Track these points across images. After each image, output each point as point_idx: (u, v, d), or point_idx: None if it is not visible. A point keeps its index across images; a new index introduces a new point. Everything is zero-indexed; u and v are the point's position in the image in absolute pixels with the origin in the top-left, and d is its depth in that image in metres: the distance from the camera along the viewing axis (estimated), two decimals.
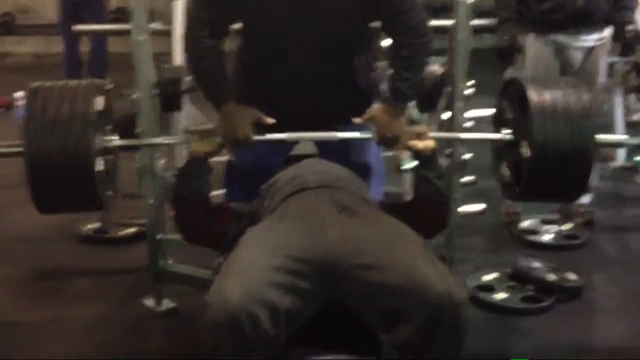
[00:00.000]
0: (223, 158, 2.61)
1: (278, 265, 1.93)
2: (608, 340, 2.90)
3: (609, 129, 4.29)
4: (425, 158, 2.39)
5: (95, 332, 2.89)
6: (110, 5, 7.43)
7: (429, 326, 1.87)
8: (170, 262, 3.03)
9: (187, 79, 3.06)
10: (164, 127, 3.09)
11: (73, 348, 2.77)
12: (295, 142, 2.55)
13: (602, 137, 2.41)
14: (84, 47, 6.84)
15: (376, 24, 2.56)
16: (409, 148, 2.43)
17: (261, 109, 2.48)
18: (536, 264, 3.22)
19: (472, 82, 2.88)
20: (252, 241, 2.07)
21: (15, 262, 3.46)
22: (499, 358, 2.68)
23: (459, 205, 2.95)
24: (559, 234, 3.73)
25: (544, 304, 3.04)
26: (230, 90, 2.45)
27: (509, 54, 3.64)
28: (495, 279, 3.20)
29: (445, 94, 2.94)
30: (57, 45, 7.07)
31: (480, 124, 2.91)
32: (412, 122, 3.02)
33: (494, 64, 3.78)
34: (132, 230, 3.64)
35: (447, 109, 2.95)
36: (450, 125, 2.89)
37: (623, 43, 3.80)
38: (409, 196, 3.09)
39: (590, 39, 3.64)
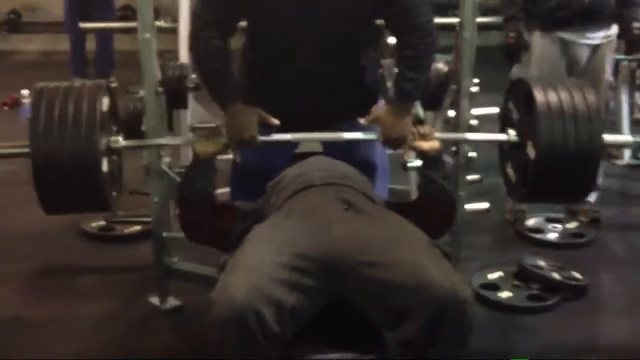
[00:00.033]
0: (228, 156, 2.61)
1: (283, 262, 1.93)
2: (613, 338, 2.90)
3: (615, 126, 4.29)
4: (430, 159, 2.39)
5: (101, 330, 2.89)
6: (118, 2, 7.44)
7: (433, 324, 1.87)
8: (175, 259, 3.03)
9: (193, 77, 3.07)
10: (170, 125, 3.09)
11: (78, 345, 2.78)
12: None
13: (608, 137, 2.41)
14: (91, 44, 6.85)
15: (381, 21, 2.56)
16: (414, 149, 2.43)
17: (266, 107, 2.48)
18: (541, 263, 3.22)
19: (477, 80, 2.87)
20: (258, 238, 2.07)
21: (20, 260, 3.47)
22: (504, 356, 2.67)
23: (465, 203, 2.95)
24: (564, 232, 3.72)
25: (549, 302, 3.03)
26: (237, 91, 2.45)
27: (515, 51, 3.64)
28: (500, 278, 3.20)
29: (450, 92, 2.94)
30: (64, 43, 7.08)
31: (486, 122, 2.91)
32: (418, 120, 3.02)
33: (499, 61, 3.77)
34: (137, 227, 3.65)
35: (452, 106, 2.94)
36: (455, 123, 2.89)
37: (629, 40, 3.80)
38: (414, 194, 3.09)
39: (596, 37, 3.63)
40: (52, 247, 3.55)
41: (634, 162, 4.64)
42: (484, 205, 3.04)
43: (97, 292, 3.21)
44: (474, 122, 2.86)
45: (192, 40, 2.48)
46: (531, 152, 2.38)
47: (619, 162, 4.60)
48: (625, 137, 2.71)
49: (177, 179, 2.85)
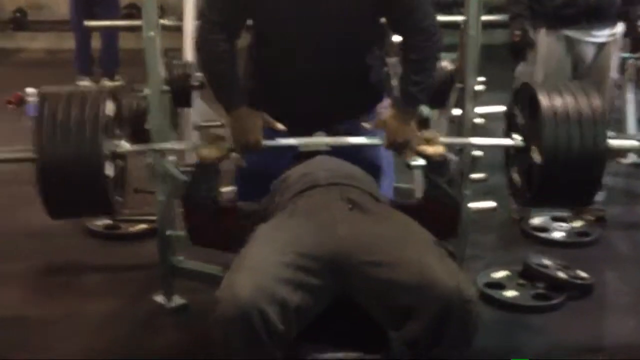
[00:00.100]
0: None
1: (288, 261, 1.94)
2: (619, 338, 2.89)
3: (621, 125, 4.27)
4: (435, 163, 2.38)
5: (106, 328, 2.90)
6: (123, 0, 7.44)
7: (438, 323, 1.87)
8: (180, 258, 3.03)
9: (198, 75, 3.07)
10: (175, 124, 3.09)
11: (83, 344, 2.78)
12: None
13: (614, 141, 2.40)
14: (96, 43, 6.86)
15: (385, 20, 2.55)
16: (419, 153, 2.42)
17: (272, 106, 2.48)
18: (547, 262, 3.21)
19: (483, 78, 2.87)
20: (262, 238, 2.07)
21: (26, 258, 3.48)
22: (510, 355, 2.66)
23: (470, 202, 2.94)
24: (570, 231, 3.71)
25: (555, 301, 3.03)
26: (242, 94, 2.45)
27: (520, 49, 3.63)
28: (505, 277, 3.19)
29: (455, 90, 2.93)
30: (69, 41, 7.09)
31: (491, 121, 2.90)
32: (422, 119, 3.01)
33: (505, 59, 3.77)
34: (142, 226, 3.65)
35: (457, 105, 2.94)
36: (460, 121, 2.89)
37: (635, 38, 3.78)
38: (419, 192, 3.09)
39: (602, 35, 3.62)
40: (57, 246, 3.56)
41: (639, 161, 4.62)
42: (490, 204, 3.04)
43: (102, 290, 3.21)
44: (478, 120, 2.86)
45: (198, 43, 2.48)
46: (536, 157, 2.37)
47: (624, 161, 4.58)
48: (631, 141, 2.70)
49: (182, 177, 2.85)
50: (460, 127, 2.88)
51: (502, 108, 2.82)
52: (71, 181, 2.28)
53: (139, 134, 2.84)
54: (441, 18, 3.06)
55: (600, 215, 3.83)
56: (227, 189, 2.83)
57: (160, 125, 2.82)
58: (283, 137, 2.48)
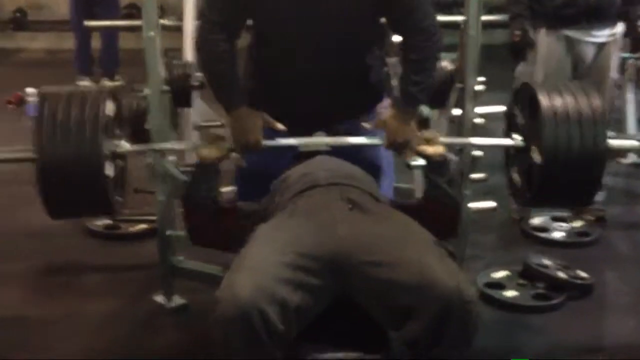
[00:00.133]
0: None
1: (288, 261, 1.94)
2: (619, 338, 2.89)
3: (621, 125, 4.27)
4: (435, 163, 2.38)
5: (106, 328, 2.90)
6: (123, 0, 7.44)
7: (438, 323, 1.87)
8: (180, 258, 3.03)
9: (198, 75, 3.07)
10: (175, 123, 3.09)
11: (83, 344, 2.78)
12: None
13: (614, 142, 2.40)
14: (96, 43, 6.86)
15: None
16: (419, 153, 2.42)
17: (272, 106, 2.48)
18: (547, 262, 3.21)
19: (483, 78, 2.87)
20: (262, 238, 2.07)
21: (25, 258, 3.48)
22: (510, 355, 2.67)
23: (470, 202, 2.94)
24: (570, 231, 3.71)
25: (555, 301, 3.03)
26: (243, 94, 2.45)
27: (520, 49, 3.63)
28: (505, 276, 3.19)
29: (455, 90, 2.93)
30: (69, 41, 7.08)
31: (491, 121, 2.90)
32: (422, 119, 3.01)
33: (505, 59, 3.77)
34: (142, 226, 3.65)
35: (457, 105, 2.94)
36: (460, 121, 2.88)
37: (635, 38, 3.78)
38: (419, 192, 3.09)
39: (602, 35, 3.63)
40: (57, 246, 3.56)
41: (639, 160, 4.62)
42: (490, 204, 3.04)
43: (102, 290, 3.21)
44: (478, 120, 2.86)
45: (198, 43, 2.48)
46: (536, 157, 2.37)
47: (624, 161, 4.58)
48: (631, 141, 2.70)
49: (182, 177, 2.85)
50: (460, 127, 2.88)
51: (502, 108, 2.82)
52: (71, 181, 2.28)
53: (139, 134, 2.84)
54: (441, 18, 3.06)
55: (600, 215, 3.83)
56: (227, 189, 2.83)
57: (160, 125, 2.82)
58: (283, 137, 2.48)
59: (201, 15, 2.52)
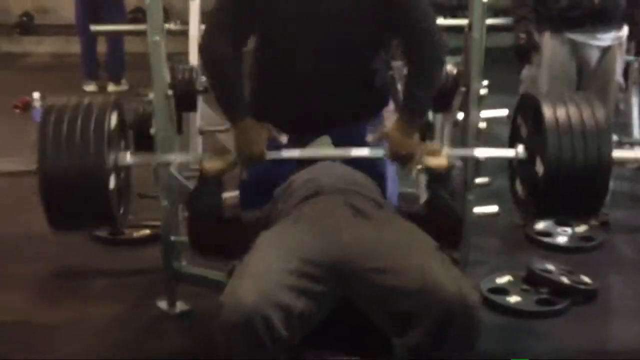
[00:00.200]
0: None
1: (291, 268, 1.94)
2: (624, 342, 2.88)
3: (626, 129, 4.25)
4: (438, 175, 2.38)
5: (110, 333, 2.90)
6: (129, 4, 7.46)
7: (440, 328, 1.87)
8: (184, 263, 3.04)
9: (203, 80, 3.08)
10: (179, 128, 3.09)
11: (87, 348, 2.79)
12: (309, 140, 2.55)
13: (617, 153, 2.40)
14: (102, 47, 6.87)
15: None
16: (422, 165, 2.41)
17: (275, 107, 2.48)
18: (550, 267, 3.20)
19: (487, 82, 2.86)
20: (266, 244, 2.07)
21: (30, 262, 3.48)
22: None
23: (473, 207, 2.94)
24: (573, 235, 3.70)
25: (559, 306, 3.02)
26: (247, 106, 2.45)
27: (525, 52, 3.63)
28: (509, 282, 3.18)
29: (459, 94, 2.93)
30: (75, 46, 7.10)
31: (495, 125, 2.90)
32: (427, 123, 3.00)
33: (510, 62, 3.76)
34: (146, 231, 3.65)
35: (461, 109, 2.93)
36: (464, 125, 2.88)
37: (639, 42, 3.77)
38: (422, 197, 3.09)
39: (607, 38, 3.62)
40: (61, 250, 3.56)
41: None
42: (493, 208, 3.03)
43: (106, 295, 3.22)
44: (483, 124, 2.85)
45: (203, 54, 2.49)
46: (540, 168, 2.37)
47: (628, 165, 4.56)
48: (636, 152, 2.70)
49: (186, 183, 2.86)
50: (464, 130, 2.88)
51: (506, 112, 2.82)
52: (74, 194, 2.29)
53: (143, 139, 2.84)
54: (445, 21, 3.07)
55: (604, 219, 3.81)
56: (231, 195, 2.83)
57: (165, 129, 2.82)
58: (287, 147, 2.47)
59: (207, 26, 2.52)
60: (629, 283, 3.33)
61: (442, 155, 2.39)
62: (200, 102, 3.33)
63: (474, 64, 2.81)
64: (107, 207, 2.34)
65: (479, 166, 2.86)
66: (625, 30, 3.66)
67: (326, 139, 2.56)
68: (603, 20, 3.57)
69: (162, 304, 3.02)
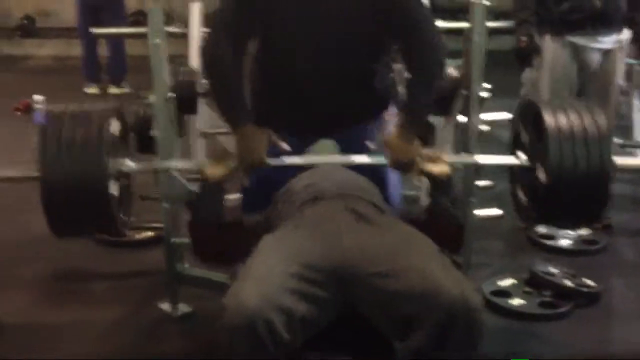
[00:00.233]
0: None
1: (293, 272, 1.93)
2: (626, 345, 2.87)
3: (628, 132, 4.26)
4: (439, 182, 2.36)
5: (112, 335, 2.90)
6: (131, 7, 7.47)
7: (443, 330, 1.87)
8: (186, 265, 3.04)
9: (203, 82, 3.07)
10: (180, 131, 3.09)
11: (89, 350, 2.79)
12: (312, 141, 2.55)
13: (619, 160, 2.39)
14: (104, 50, 6.88)
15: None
16: (424, 173, 2.40)
17: (275, 108, 2.47)
18: (553, 269, 3.19)
19: (489, 85, 2.86)
20: (268, 249, 2.07)
21: (32, 264, 3.49)
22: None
23: (476, 209, 2.93)
24: (576, 238, 3.69)
25: (562, 309, 3.01)
26: (248, 112, 2.45)
27: (526, 55, 3.63)
28: (511, 284, 3.18)
29: (460, 97, 2.93)
30: (77, 48, 7.12)
31: (496, 128, 2.90)
32: (428, 126, 3.00)
33: (511, 65, 3.76)
34: (149, 233, 3.65)
35: (462, 112, 2.93)
36: (465, 128, 2.88)
37: None
38: (424, 200, 3.08)
39: (608, 41, 3.62)
40: (62, 252, 3.56)
41: None
42: (496, 211, 3.03)
43: (108, 297, 3.22)
44: (484, 127, 2.85)
45: (205, 59, 2.49)
46: (542, 176, 2.37)
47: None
48: (638, 159, 2.70)
49: (187, 185, 2.85)
50: (465, 133, 2.88)
51: (508, 115, 2.81)
52: (75, 201, 2.29)
53: (145, 142, 2.84)
54: (446, 24, 3.06)
55: (606, 222, 3.80)
56: (233, 196, 2.83)
57: (167, 132, 2.82)
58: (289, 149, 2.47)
59: (209, 32, 2.52)
60: (632, 286, 3.33)
61: (443, 162, 2.38)
62: (202, 104, 3.33)
63: (475, 67, 2.81)
64: (109, 214, 2.34)
65: (481, 169, 2.86)
66: (626, 34, 3.66)
67: (328, 141, 2.56)
68: (604, 23, 3.57)
69: (165, 306, 3.02)
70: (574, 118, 2.36)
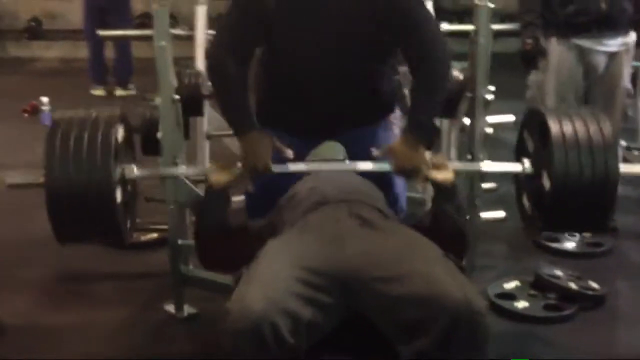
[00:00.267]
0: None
1: (298, 277, 1.93)
2: (632, 348, 2.87)
3: (634, 134, 4.25)
4: (444, 189, 2.35)
5: (117, 337, 2.91)
6: (137, 9, 7.48)
7: (447, 334, 1.86)
8: (191, 267, 3.04)
9: (209, 84, 3.08)
10: (186, 133, 3.10)
11: (94, 352, 2.79)
12: (316, 143, 2.55)
13: (625, 167, 2.39)
14: (111, 52, 6.90)
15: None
16: (428, 180, 2.39)
17: (278, 110, 2.48)
18: (558, 272, 3.18)
19: (494, 87, 2.86)
20: (273, 253, 2.07)
21: (38, 265, 3.49)
22: None
23: (480, 212, 2.93)
24: (581, 241, 3.67)
25: (567, 312, 3.01)
26: (252, 118, 2.45)
27: (532, 58, 3.63)
28: (516, 287, 3.17)
29: (466, 100, 2.93)
30: (84, 50, 7.14)
31: (501, 131, 2.89)
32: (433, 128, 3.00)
33: (517, 67, 3.76)
34: (154, 235, 3.65)
35: (467, 114, 2.93)
36: (470, 131, 2.88)
37: None
38: (429, 203, 3.08)
39: (614, 44, 3.62)
40: (68, 254, 3.52)
41: None
42: (500, 213, 3.03)
43: (113, 299, 3.22)
44: (489, 130, 2.85)
45: (209, 68, 2.49)
46: (546, 183, 2.37)
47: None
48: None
49: (193, 187, 2.86)
50: (470, 136, 2.88)
51: (513, 117, 2.81)
52: (81, 208, 2.29)
53: (150, 144, 2.85)
54: (452, 27, 3.06)
55: (612, 225, 3.80)
56: (237, 199, 2.84)
57: (172, 134, 2.83)
58: (294, 151, 2.47)
59: (213, 40, 2.52)
60: (637, 289, 3.32)
61: (448, 169, 2.37)
62: (207, 106, 3.34)
63: (480, 70, 2.81)
64: (114, 221, 2.34)
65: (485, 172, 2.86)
66: (632, 36, 3.66)
67: (332, 143, 2.56)
68: (610, 26, 3.56)
69: (170, 308, 3.02)
70: (579, 126, 2.35)
